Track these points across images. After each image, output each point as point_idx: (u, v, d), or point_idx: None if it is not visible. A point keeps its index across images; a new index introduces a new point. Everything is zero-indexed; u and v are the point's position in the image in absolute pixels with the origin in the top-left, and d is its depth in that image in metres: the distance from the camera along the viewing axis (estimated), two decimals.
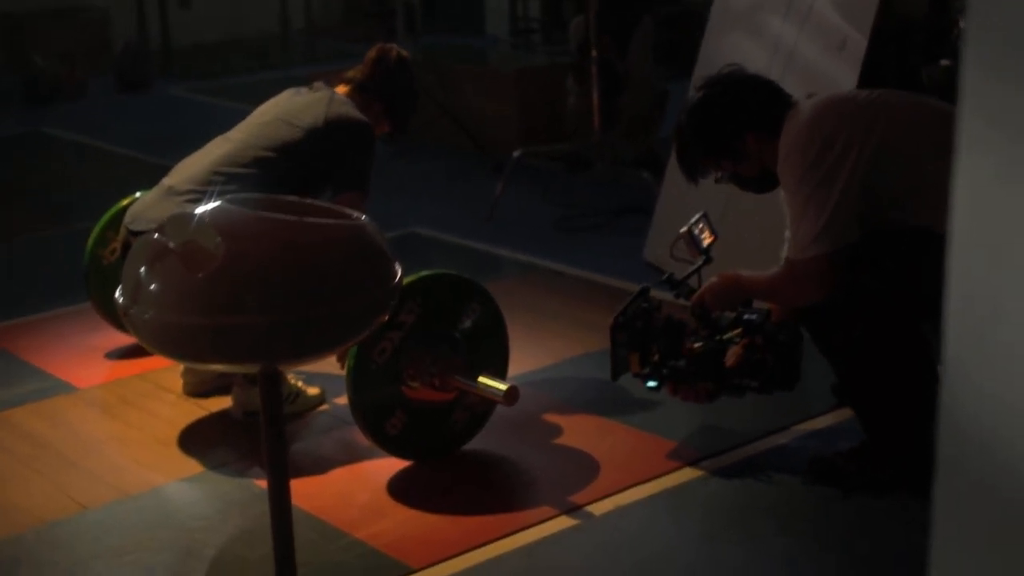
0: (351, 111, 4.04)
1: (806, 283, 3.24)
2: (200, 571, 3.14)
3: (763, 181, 3.47)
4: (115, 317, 4.02)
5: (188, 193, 3.80)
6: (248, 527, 3.32)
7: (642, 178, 6.26)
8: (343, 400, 3.72)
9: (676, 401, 3.56)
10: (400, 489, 3.52)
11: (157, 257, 2.64)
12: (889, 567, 3.06)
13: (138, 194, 4.24)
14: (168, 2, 11.56)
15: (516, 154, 6.53)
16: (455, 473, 3.62)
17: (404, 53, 4.31)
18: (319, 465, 3.68)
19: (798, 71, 4.63)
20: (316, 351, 2.86)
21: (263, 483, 3.03)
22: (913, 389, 3.23)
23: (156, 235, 2.69)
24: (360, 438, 3.64)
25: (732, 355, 3.45)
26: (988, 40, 1.02)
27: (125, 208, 4.17)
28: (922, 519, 1.10)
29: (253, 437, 3.39)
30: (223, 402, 4.08)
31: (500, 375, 3.71)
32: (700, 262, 3.56)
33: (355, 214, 2.92)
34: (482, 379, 3.53)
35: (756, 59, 4.63)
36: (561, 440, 3.79)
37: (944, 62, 4.58)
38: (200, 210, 2.74)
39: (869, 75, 4.34)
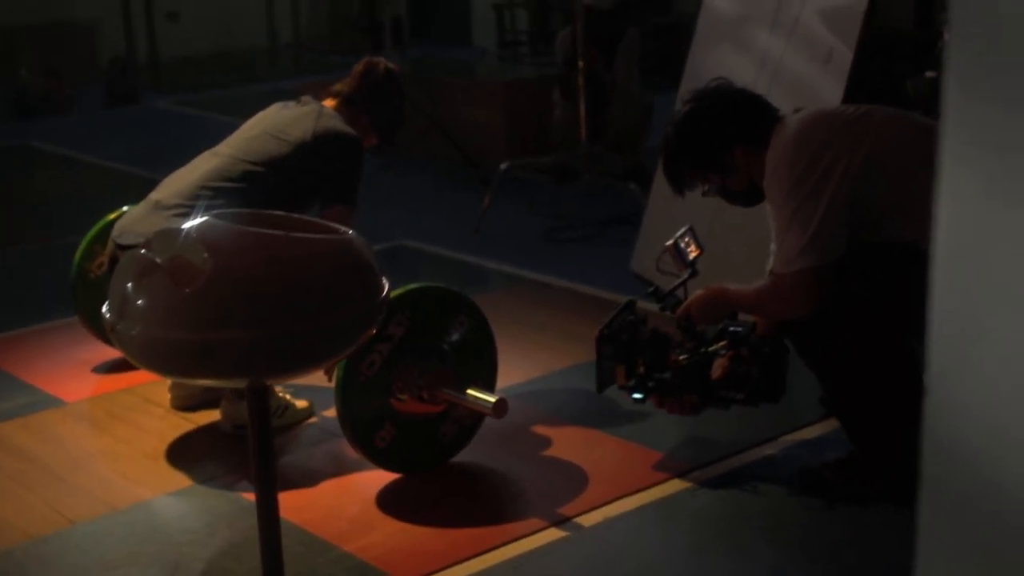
0: (339, 125, 4.05)
1: (792, 297, 3.24)
2: None
3: (750, 195, 3.48)
4: (102, 331, 4.01)
5: (176, 207, 3.80)
6: (237, 540, 3.31)
7: (629, 190, 6.28)
8: (331, 413, 3.72)
9: (664, 413, 3.56)
10: (389, 502, 3.52)
11: (144, 272, 2.65)
12: None
13: (125, 208, 4.25)
14: (156, 16, 11.56)
15: (504, 166, 6.54)
16: (444, 485, 3.62)
17: (392, 66, 4.31)
18: (308, 478, 3.68)
19: (784, 84, 4.64)
20: (303, 366, 2.86)
21: (251, 496, 3.03)
22: (899, 401, 3.24)
23: (143, 250, 2.69)
24: (349, 451, 3.64)
25: (718, 367, 3.46)
26: (970, 57, 1.03)
27: (112, 222, 4.17)
28: (909, 530, 1.11)
29: (241, 450, 3.40)
30: (211, 416, 4.08)
31: (488, 388, 3.72)
32: (686, 275, 3.56)
33: (342, 229, 2.92)
34: (471, 391, 3.54)
35: (742, 72, 4.64)
36: (549, 452, 3.80)
37: (929, 74, 4.61)
38: (187, 225, 2.74)
39: (855, 87, 4.36)
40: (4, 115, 10.02)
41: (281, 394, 4.02)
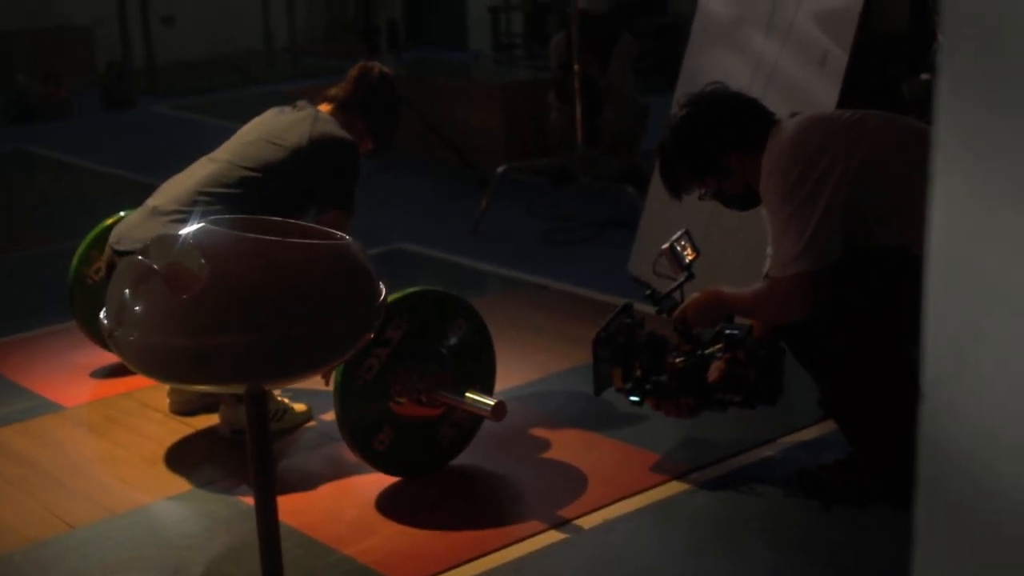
0: (335, 130, 4.05)
1: (788, 300, 3.25)
2: None
3: (746, 199, 3.48)
4: (100, 336, 4.02)
5: (173, 214, 3.81)
6: (236, 545, 3.32)
7: (626, 192, 6.28)
8: (330, 416, 3.72)
9: (661, 415, 3.57)
10: (388, 505, 3.52)
11: (141, 279, 2.65)
12: None
13: (122, 213, 4.25)
14: (152, 20, 11.57)
15: (501, 169, 6.55)
16: (443, 488, 3.63)
17: (386, 70, 4.32)
18: (307, 482, 3.68)
19: (779, 86, 4.65)
20: (300, 371, 2.87)
21: (251, 500, 3.04)
22: (896, 404, 3.24)
23: (140, 256, 2.70)
24: (347, 454, 3.64)
25: (714, 370, 3.46)
26: (962, 61, 1.03)
27: (110, 227, 4.18)
28: (907, 532, 1.11)
29: (240, 455, 3.40)
30: (209, 420, 4.08)
31: (487, 390, 3.72)
32: (682, 278, 3.57)
33: (338, 234, 2.93)
34: (469, 394, 3.54)
35: (738, 75, 4.65)
36: (548, 454, 3.80)
37: (925, 76, 4.61)
38: (184, 231, 2.75)
39: (850, 90, 4.36)
40: (2, 119, 10.03)
41: (280, 398, 4.02)
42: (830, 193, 3.19)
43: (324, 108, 4.16)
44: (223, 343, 2.58)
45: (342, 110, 4.16)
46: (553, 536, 3.32)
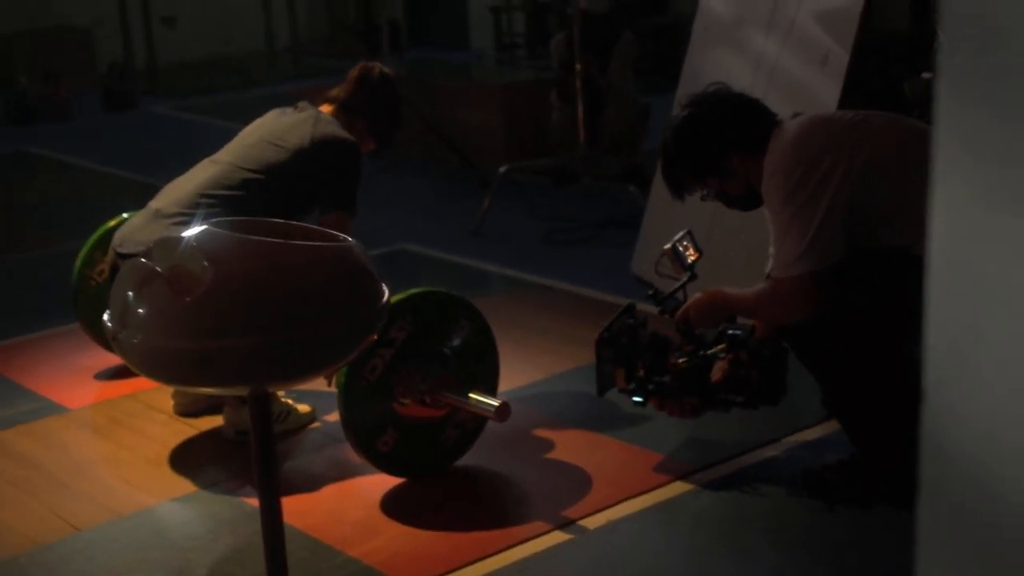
0: (337, 131, 4.06)
1: (790, 301, 3.25)
2: None
3: (749, 199, 3.48)
4: (104, 338, 4.02)
5: (175, 216, 3.81)
6: (240, 546, 3.32)
7: (628, 192, 6.29)
8: (334, 417, 3.73)
9: (665, 415, 3.57)
10: (392, 506, 3.53)
11: (145, 281, 2.65)
12: None
13: (125, 215, 4.26)
14: (153, 21, 11.57)
15: (503, 169, 6.55)
16: (447, 489, 3.63)
17: (387, 70, 4.32)
18: (311, 483, 3.68)
19: (781, 86, 4.65)
20: (303, 373, 2.87)
21: (255, 502, 3.04)
22: (898, 405, 3.24)
23: (144, 259, 2.70)
24: (352, 455, 3.65)
25: (717, 370, 3.47)
26: (962, 63, 1.04)
27: (113, 229, 4.19)
28: (911, 532, 1.12)
29: (244, 456, 3.41)
30: (214, 421, 4.09)
31: (491, 391, 3.73)
32: (685, 279, 3.57)
33: (341, 236, 2.93)
34: (473, 395, 3.55)
35: (739, 75, 4.65)
36: (552, 455, 3.81)
37: (926, 75, 4.61)
38: (187, 233, 2.75)
39: (851, 89, 4.37)
40: (2, 120, 10.04)
41: (284, 399, 4.02)
42: (832, 194, 3.19)
43: (325, 109, 4.17)
44: (226, 345, 2.59)
45: (343, 111, 4.17)
46: (557, 537, 3.32)
